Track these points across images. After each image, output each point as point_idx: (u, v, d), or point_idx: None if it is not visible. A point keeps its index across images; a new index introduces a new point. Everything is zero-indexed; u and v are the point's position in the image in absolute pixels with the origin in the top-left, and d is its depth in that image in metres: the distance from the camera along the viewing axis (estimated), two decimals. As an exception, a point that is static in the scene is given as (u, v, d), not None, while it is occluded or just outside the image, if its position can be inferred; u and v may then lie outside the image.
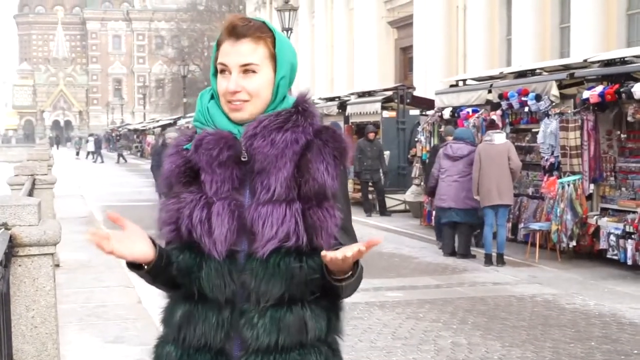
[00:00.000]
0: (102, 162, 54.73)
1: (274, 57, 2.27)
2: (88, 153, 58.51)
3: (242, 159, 2.22)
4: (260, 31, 2.25)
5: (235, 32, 2.23)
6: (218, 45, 2.30)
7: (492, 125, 12.96)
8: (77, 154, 64.83)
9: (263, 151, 2.18)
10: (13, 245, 4.78)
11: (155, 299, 9.25)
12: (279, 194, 2.18)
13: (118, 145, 59.21)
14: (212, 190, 2.21)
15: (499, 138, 12.02)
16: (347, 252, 2.05)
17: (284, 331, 2.18)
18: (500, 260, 11.89)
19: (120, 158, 54.77)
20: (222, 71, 2.27)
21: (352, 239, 2.33)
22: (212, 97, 2.34)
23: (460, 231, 12.72)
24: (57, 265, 9.88)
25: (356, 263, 2.15)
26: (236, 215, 2.19)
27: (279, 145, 2.19)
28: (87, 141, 64.03)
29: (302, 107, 2.29)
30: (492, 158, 11.77)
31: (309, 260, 2.20)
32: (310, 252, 2.20)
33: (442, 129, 15.65)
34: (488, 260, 11.90)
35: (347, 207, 2.36)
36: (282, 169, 2.20)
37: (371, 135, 18.18)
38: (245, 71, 2.23)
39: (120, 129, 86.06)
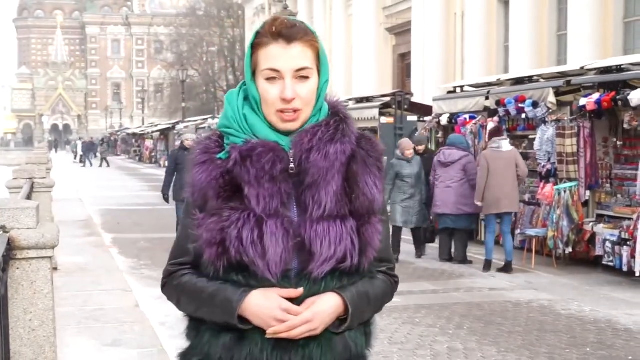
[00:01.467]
0: (91, 165, 54.76)
1: (318, 61, 2.14)
2: (81, 157, 58.38)
3: (290, 171, 2.07)
4: (307, 34, 2.10)
5: (284, 35, 2.07)
6: (256, 47, 2.12)
7: (497, 132, 12.76)
8: (75, 157, 64.81)
9: (318, 165, 2.05)
10: (11, 248, 4.79)
11: (152, 303, 9.28)
12: (331, 209, 2.06)
13: (102, 149, 58.70)
14: (259, 206, 2.03)
15: (506, 145, 11.99)
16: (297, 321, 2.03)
17: (333, 351, 2.10)
18: (509, 268, 11.76)
19: (104, 162, 54.37)
20: (272, 78, 2.08)
21: (387, 251, 2.29)
22: (245, 98, 2.16)
23: (457, 237, 12.73)
24: (55, 269, 9.88)
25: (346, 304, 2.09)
26: (291, 234, 2.05)
27: (331, 158, 2.07)
28: (76, 145, 64.29)
29: (343, 114, 2.17)
30: (500, 165, 11.71)
31: (356, 277, 2.14)
32: (355, 271, 2.12)
33: (424, 133, 15.94)
34: (487, 267, 11.83)
35: (387, 217, 2.29)
36: (331, 182, 2.07)
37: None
38: (299, 77, 2.07)
39: (118, 133, 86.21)
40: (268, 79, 2.07)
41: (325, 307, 2.06)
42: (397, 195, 12.60)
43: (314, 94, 2.11)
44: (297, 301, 2.05)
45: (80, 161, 57.65)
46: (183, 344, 2.24)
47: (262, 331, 2.05)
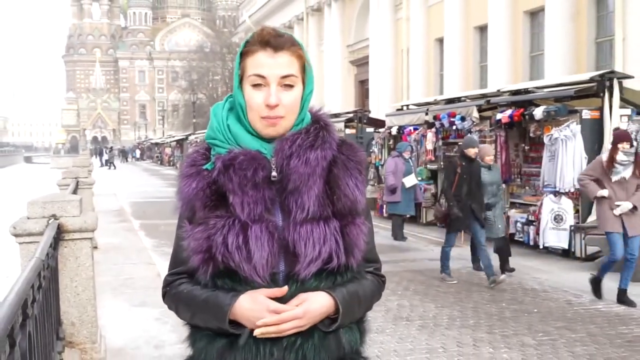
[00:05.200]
0: (102, 166, 53.55)
1: (304, 71, 1.77)
2: (105, 161, 57.47)
3: (272, 179, 1.70)
4: (295, 44, 1.74)
5: (272, 43, 1.70)
6: (244, 55, 1.74)
7: (624, 137, 7.71)
8: (111, 163, 64.46)
9: (299, 171, 1.69)
10: (60, 231, 4.77)
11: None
12: (314, 212, 1.69)
13: (110, 154, 56.95)
14: (244, 212, 1.67)
15: (628, 172, 7.65)
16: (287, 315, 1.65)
17: (326, 349, 1.72)
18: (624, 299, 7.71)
19: (111, 165, 53.01)
20: (258, 85, 1.71)
21: (373, 252, 1.92)
22: (230, 109, 1.79)
23: (392, 220, 12.97)
24: (95, 247, 9.83)
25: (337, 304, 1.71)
26: (276, 238, 1.68)
27: (312, 163, 1.70)
28: (95, 151, 64.46)
29: (324, 122, 1.80)
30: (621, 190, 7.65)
31: (346, 277, 1.77)
32: (345, 270, 1.75)
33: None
34: (595, 289, 8.00)
35: (370, 221, 1.88)
36: (313, 186, 1.70)
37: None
38: (284, 84, 1.71)
39: (144, 142, 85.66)
40: (254, 85, 1.71)
41: (316, 305, 1.68)
42: None
43: (297, 103, 1.74)
44: (283, 300, 1.68)
45: (103, 165, 56.30)
46: (187, 352, 1.86)
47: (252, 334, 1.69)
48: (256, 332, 1.65)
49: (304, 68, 1.77)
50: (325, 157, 1.74)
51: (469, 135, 11.44)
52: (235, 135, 1.74)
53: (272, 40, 1.71)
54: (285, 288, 1.68)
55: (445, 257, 9.18)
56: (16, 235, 4.62)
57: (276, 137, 1.74)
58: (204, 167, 1.74)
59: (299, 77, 1.74)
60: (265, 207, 1.69)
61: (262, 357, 1.68)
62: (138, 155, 77.41)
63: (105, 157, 57.04)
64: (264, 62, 1.70)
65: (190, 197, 1.73)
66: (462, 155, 9.08)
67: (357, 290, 1.78)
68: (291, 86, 1.72)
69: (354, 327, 1.80)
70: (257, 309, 1.65)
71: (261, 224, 1.67)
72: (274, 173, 1.71)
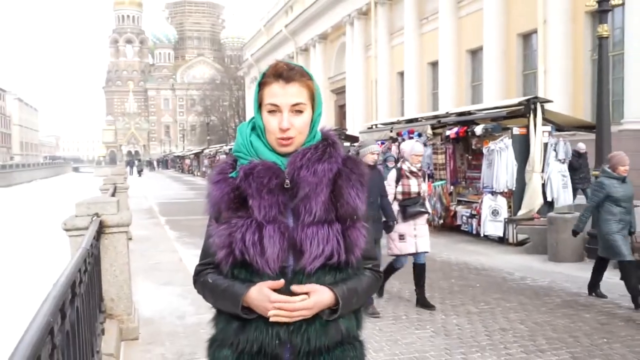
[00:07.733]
0: (132, 174, 52.14)
1: (312, 98, 1.69)
2: (136, 171, 56.83)
3: (285, 186, 1.63)
4: (304, 76, 1.66)
5: (284, 76, 1.64)
6: (262, 86, 1.67)
7: None
8: (139, 172, 63.90)
9: (308, 180, 1.62)
10: (102, 226, 4.74)
11: (189, 258, 9.17)
12: (320, 216, 1.62)
13: (137, 164, 55.95)
14: (260, 214, 1.60)
15: None
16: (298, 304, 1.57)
17: (328, 334, 1.63)
18: None
19: (139, 173, 51.79)
20: (272, 111, 1.64)
21: (371, 250, 1.78)
22: (252, 129, 1.72)
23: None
24: (130, 239, 9.77)
25: (337, 297, 1.61)
26: (286, 237, 1.61)
27: (319, 174, 1.63)
28: (134, 164, 63.72)
29: (332, 140, 1.73)
30: None
31: (347, 272, 1.67)
32: (345, 265, 1.66)
33: None
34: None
35: (368, 224, 1.78)
36: (320, 194, 1.63)
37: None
38: (295, 111, 1.64)
39: (169, 155, 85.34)
40: (270, 111, 1.65)
41: (322, 298, 1.60)
42: (611, 224, 6.24)
43: (307, 125, 1.67)
44: (285, 289, 1.60)
45: (131, 173, 55.36)
46: (211, 331, 1.77)
47: (265, 318, 1.60)
48: (270, 314, 1.58)
49: (314, 94, 1.69)
50: (331, 170, 1.66)
51: None
52: (256, 150, 1.68)
53: (284, 73, 1.64)
54: (282, 281, 1.60)
55: None
56: (67, 230, 4.59)
57: (290, 153, 1.68)
58: (230, 175, 1.67)
59: (307, 103, 1.66)
60: (279, 210, 1.62)
61: (271, 338, 1.61)
62: (156, 165, 76.65)
63: (135, 168, 56.49)
64: (277, 93, 1.63)
65: (217, 200, 1.66)
66: None
67: (357, 287, 1.69)
68: (301, 112, 1.65)
69: (352, 316, 1.72)
70: (262, 299, 1.59)
71: (274, 224, 1.60)
72: (287, 181, 1.63)
